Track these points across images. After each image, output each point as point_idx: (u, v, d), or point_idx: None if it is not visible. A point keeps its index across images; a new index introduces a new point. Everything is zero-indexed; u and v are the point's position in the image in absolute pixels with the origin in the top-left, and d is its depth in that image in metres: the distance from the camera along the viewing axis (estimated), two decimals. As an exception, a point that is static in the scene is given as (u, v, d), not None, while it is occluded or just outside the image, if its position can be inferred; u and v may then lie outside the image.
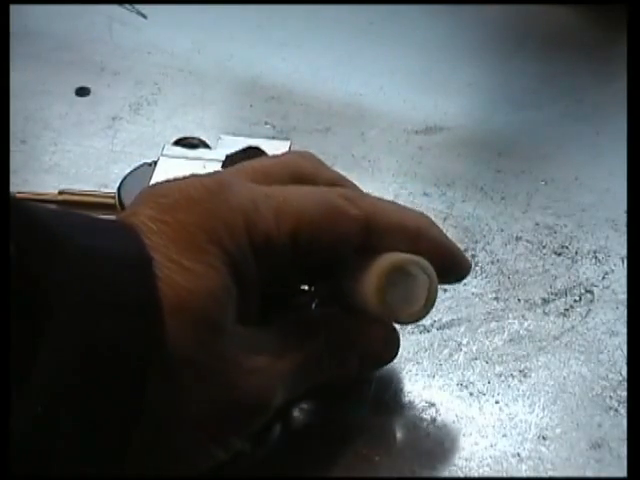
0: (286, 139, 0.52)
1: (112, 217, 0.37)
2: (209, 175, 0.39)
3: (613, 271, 0.48)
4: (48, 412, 0.30)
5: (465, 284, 0.47)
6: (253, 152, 0.50)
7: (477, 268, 0.48)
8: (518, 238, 0.50)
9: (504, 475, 0.40)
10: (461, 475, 0.40)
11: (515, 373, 0.43)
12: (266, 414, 0.36)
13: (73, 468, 0.32)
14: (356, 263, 0.39)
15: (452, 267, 0.41)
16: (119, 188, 0.49)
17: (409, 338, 0.44)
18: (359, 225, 0.38)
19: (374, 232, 0.39)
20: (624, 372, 0.43)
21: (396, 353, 0.41)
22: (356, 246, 0.39)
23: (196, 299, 0.34)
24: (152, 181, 0.47)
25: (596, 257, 0.49)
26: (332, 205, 0.38)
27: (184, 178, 0.37)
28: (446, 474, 0.40)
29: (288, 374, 0.37)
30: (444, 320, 0.45)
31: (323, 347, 0.38)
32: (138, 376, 0.32)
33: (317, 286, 0.43)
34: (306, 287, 0.43)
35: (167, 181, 0.38)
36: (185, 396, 0.34)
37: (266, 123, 0.57)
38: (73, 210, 0.49)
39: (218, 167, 0.48)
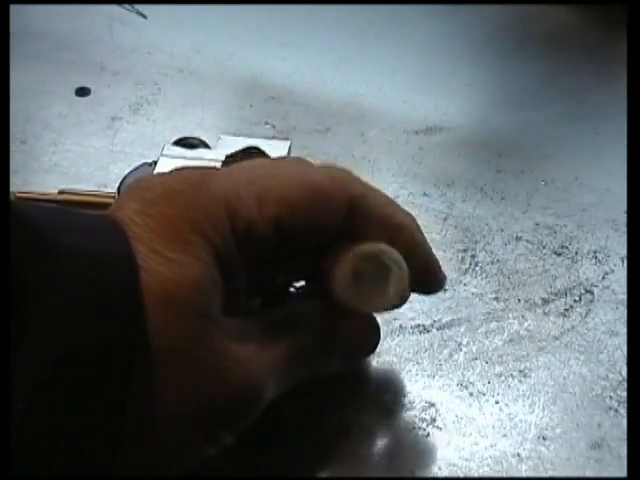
0: (286, 139, 0.52)
1: (99, 212, 0.37)
2: (193, 168, 0.39)
3: (613, 271, 0.48)
4: (31, 411, 0.30)
5: (465, 284, 0.47)
6: (253, 152, 0.50)
7: (477, 268, 0.48)
8: (518, 238, 0.50)
9: (504, 475, 0.40)
10: (461, 475, 0.40)
11: (515, 373, 0.43)
12: (256, 407, 0.36)
13: (63, 468, 0.32)
14: (334, 250, 0.39)
15: (424, 275, 0.40)
16: (119, 188, 0.49)
17: (409, 338, 0.45)
18: (344, 206, 0.38)
19: (358, 215, 0.38)
20: (624, 372, 0.43)
21: (377, 345, 0.42)
22: (340, 228, 0.39)
23: (182, 290, 0.34)
24: (152, 181, 0.47)
25: (596, 257, 0.49)
26: (316, 187, 0.38)
27: (168, 172, 0.37)
28: (446, 474, 0.40)
29: (276, 364, 0.37)
30: (444, 320, 0.45)
31: (310, 341, 0.38)
32: (123, 374, 0.32)
33: (304, 284, 0.43)
34: (292, 289, 0.43)
35: (152, 175, 0.38)
36: (173, 391, 0.33)
37: (266, 123, 0.57)
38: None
39: (218, 167, 0.48)
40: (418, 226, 0.40)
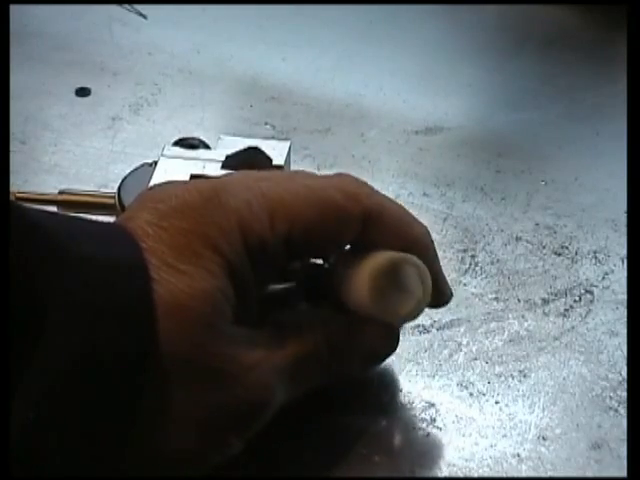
0: (286, 139, 0.52)
1: (110, 220, 0.37)
2: (208, 180, 0.39)
3: (613, 271, 0.48)
4: (43, 413, 0.31)
5: (465, 284, 0.47)
6: (253, 152, 0.50)
7: (477, 268, 0.48)
8: (518, 238, 0.50)
9: (504, 475, 0.40)
10: (461, 475, 0.40)
11: (515, 373, 0.43)
12: (264, 412, 0.36)
13: (70, 469, 0.32)
14: (348, 262, 0.39)
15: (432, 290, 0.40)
16: (119, 188, 0.49)
17: (409, 338, 0.45)
18: (359, 222, 0.38)
19: (373, 229, 0.39)
20: (624, 372, 0.43)
21: (395, 347, 0.41)
22: (353, 241, 0.39)
23: (192, 301, 0.34)
24: (152, 181, 0.47)
25: (596, 257, 0.49)
26: (330, 204, 0.38)
27: (183, 183, 0.38)
28: (446, 474, 0.40)
29: (285, 368, 0.37)
30: (444, 320, 0.45)
31: (322, 345, 0.38)
32: (134, 379, 0.32)
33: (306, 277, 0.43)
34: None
35: (166, 183, 0.38)
36: (182, 397, 0.34)
37: (266, 123, 0.57)
38: (73, 211, 0.49)
39: (218, 167, 0.48)
40: (432, 241, 0.40)
